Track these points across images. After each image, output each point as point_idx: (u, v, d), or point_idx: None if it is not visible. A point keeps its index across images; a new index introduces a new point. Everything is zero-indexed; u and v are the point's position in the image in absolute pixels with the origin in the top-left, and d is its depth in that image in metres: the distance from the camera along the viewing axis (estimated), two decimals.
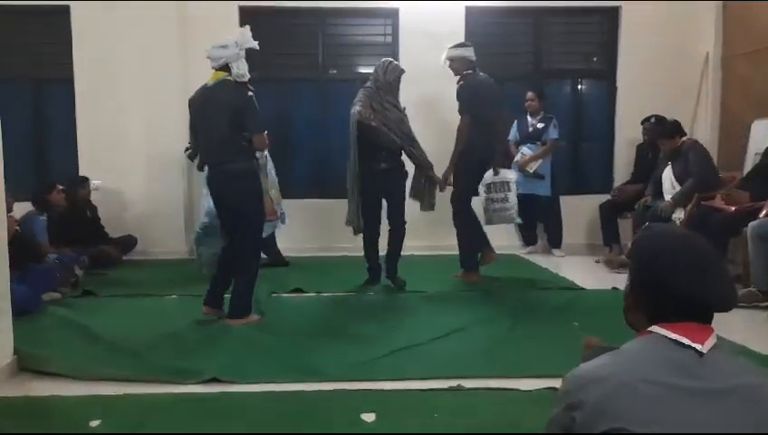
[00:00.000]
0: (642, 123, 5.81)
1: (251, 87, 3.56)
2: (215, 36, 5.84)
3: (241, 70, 3.47)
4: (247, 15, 6.07)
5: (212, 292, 3.66)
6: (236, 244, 3.61)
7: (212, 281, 3.70)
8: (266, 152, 3.77)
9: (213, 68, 3.54)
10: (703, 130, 6.00)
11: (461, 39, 6.02)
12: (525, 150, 5.85)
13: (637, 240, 1.35)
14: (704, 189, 4.71)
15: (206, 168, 3.69)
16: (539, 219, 6.07)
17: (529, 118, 5.87)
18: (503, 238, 5.22)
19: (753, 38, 5.50)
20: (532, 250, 6.06)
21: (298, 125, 6.36)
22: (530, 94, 5.82)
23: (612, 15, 6.25)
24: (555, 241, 6.01)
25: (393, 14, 6.13)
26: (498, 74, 6.20)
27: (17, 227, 4.31)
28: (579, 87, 6.56)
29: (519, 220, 4.96)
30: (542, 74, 6.38)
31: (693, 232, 1.36)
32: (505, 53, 6.39)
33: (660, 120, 5.71)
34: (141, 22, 5.76)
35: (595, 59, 6.53)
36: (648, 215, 4.94)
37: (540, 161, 5.78)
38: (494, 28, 6.28)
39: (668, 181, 5.02)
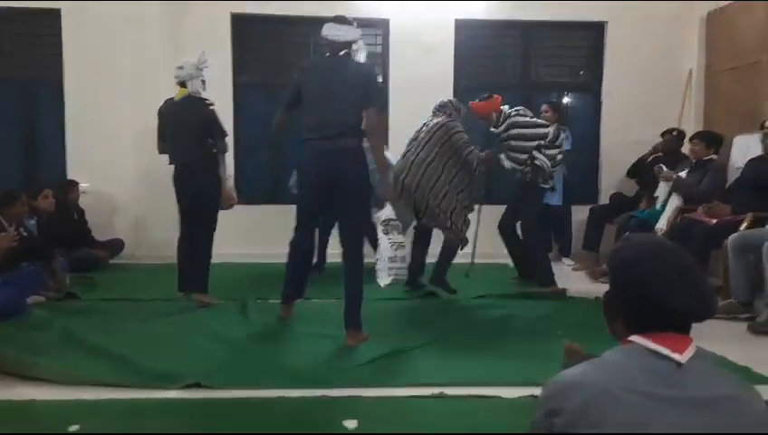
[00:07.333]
0: (662, 135, 5.78)
1: (210, 101, 4.22)
2: (206, 41, 5.94)
3: (195, 87, 4.18)
4: (239, 21, 6.10)
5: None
6: (194, 232, 4.26)
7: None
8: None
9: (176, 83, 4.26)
10: (686, 144, 6.09)
11: (450, 51, 6.11)
12: None
13: (616, 249, 1.33)
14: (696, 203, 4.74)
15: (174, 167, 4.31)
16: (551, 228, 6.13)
17: None
18: (490, 245, 5.21)
19: (736, 54, 5.59)
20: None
21: (288, 131, 6.35)
22: (544, 106, 5.79)
23: (598, 31, 6.36)
24: (566, 250, 6.07)
25: (384, 25, 6.17)
26: (486, 85, 6.30)
27: (21, 229, 4.30)
28: (565, 100, 6.64)
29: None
30: (530, 86, 6.45)
31: (672, 242, 1.37)
32: (493, 64, 6.47)
33: (681, 132, 5.75)
34: (132, 25, 5.77)
35: (581, 72, 6.62)
36: (631, 225, 5.00)
37: None
38: (483, 41, 6.36)
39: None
